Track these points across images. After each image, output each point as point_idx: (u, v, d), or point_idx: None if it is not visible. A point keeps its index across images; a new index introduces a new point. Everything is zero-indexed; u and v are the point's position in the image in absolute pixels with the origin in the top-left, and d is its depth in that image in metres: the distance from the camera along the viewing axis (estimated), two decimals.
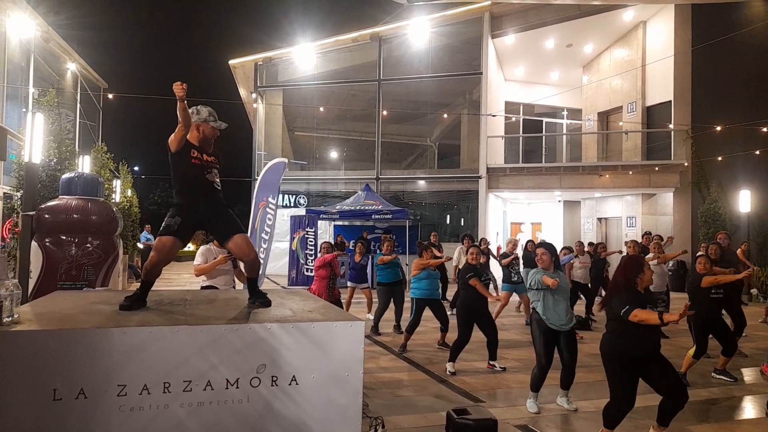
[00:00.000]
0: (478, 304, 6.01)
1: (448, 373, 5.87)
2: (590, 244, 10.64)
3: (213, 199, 3.45)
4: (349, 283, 9.25)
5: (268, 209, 9.21)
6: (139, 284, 3.38)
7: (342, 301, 7.84)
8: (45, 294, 4.20)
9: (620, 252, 11.62)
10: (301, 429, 2.79)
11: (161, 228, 3.34)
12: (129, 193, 15.12)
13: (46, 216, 6.46)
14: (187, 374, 2.63)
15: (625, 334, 3.78)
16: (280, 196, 19.18)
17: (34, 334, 2.48)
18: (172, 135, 3.34)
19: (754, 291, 12.58)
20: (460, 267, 7.74)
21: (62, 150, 9.28)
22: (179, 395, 2.61)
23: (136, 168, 29.59)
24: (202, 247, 5.38)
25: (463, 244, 10.56)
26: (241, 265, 4.21)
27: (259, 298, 3.44)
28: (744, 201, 13.22)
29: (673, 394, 3.79)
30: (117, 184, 14.28)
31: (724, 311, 6.34)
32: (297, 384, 2.79)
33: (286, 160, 10.84)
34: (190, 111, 3.33)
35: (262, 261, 8.61)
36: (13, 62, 13.31)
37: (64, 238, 6.45)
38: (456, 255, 10.56)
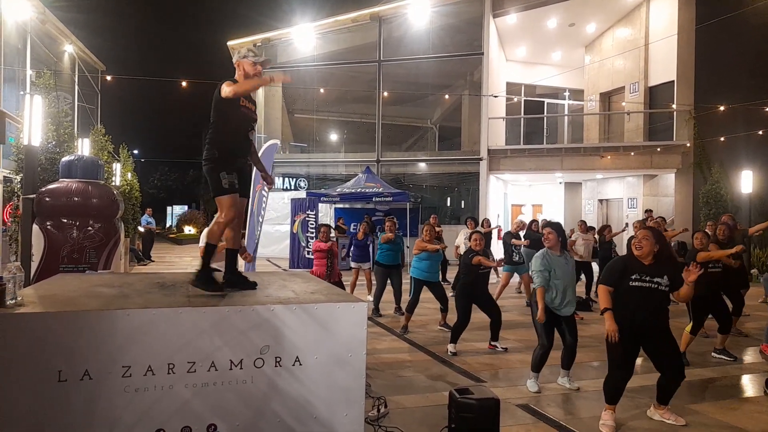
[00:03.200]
0: (477, 290, 6.02)
1: (449, 353, 5.90)
2: (591, 228, 10.44)
3: (248, 158, 3.49)
4: (352, 264, 9.25)
5: (263, 192, 9.09)
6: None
7: (345, 283, 7.83)
8: (47, 277, 4.21)
9: (624, 229, 11.65)
10: (304, 409, 2.81)
11: (224, 187, 3.20)
12: (129, 176, 15.07)
13: (47, 199, 6.45)
14: (191, 355, 2.65)
15: (627, 303, 3.81)
16: (281, 179, 19.16)
17: (38, 316, 2.49)
18: (228, 83, 3.17)
19: (754, 272, 12.61)
20: (461, 253, 7.75)
21: (61, 132, 9.22)
22: (183, 376, 2.63)
23: (135, 151, 29.53)
24: (206, 230, 5.37)
25: (466, 226, 10.61)
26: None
27: (233, 276, 3.40)
28: (746, 182, 13.16)
29: (670, 371, 3.83)
30: (117, 167, 14.23)
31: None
32: (300, 365, 2.81)
33: (278, 142, 10.68)
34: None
35: (255, 243, 8.62)
36: (10, 44, 13.16)
37: (65, 221, 6.45)
38: (460, 238, 10.60)
